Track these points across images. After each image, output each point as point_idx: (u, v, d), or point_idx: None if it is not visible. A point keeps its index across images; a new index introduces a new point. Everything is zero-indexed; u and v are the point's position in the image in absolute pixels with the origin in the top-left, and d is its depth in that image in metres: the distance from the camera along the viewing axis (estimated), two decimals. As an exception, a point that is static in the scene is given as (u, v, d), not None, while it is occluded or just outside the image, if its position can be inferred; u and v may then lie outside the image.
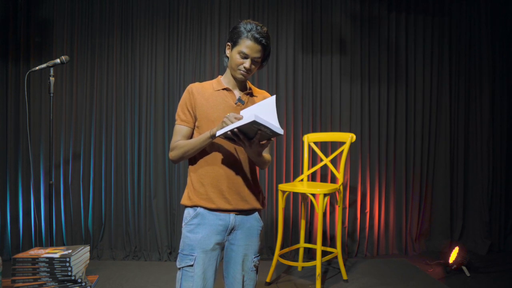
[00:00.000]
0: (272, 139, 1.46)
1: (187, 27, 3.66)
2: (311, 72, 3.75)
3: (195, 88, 1.62)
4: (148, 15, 3.63)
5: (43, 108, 3.54)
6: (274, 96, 1.49)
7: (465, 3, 3.94)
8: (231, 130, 1.36)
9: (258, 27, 1.55)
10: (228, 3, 3.67)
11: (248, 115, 1.35)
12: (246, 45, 1.53)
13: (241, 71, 1.57)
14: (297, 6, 3.72)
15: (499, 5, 3.93)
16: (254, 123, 1.30)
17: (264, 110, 1.43)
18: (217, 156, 1.58)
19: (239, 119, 1.38)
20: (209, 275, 1.55)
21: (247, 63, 1.55)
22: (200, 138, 1.53)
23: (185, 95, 1.63)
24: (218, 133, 1.40)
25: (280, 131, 1.37)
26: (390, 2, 3.84)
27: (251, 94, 1.68)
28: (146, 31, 3.63)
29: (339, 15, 3.78)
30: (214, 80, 1.68)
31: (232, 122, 1.38)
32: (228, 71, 1.65)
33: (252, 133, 1.39)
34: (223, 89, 1.63)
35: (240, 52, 1.55)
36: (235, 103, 1.61)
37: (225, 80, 1.66)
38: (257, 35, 1.53)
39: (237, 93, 1.65)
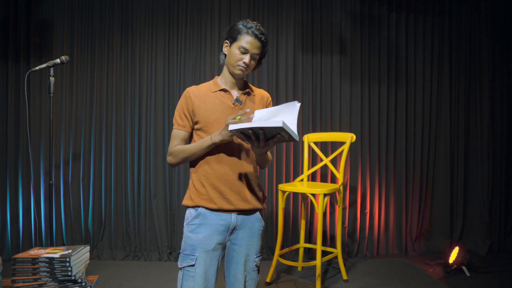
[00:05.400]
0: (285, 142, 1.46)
1: (187, 27, 3.66)
2: (311, 72, 3.75)
3: (191, 91, 1.63)
4: (148, 15, 3.63)
5: (43, 108, 3.54)
6: (299, 104, 1.43)
7: (465, 3, 3.94)
8: (253, 129, 1.34)
9: (258, 26, 1.58)
10: (228, 3, 3.67)
11: (265, 117, 1.34)
12: (247, 40, 1.55)
13: (241, 67, 1.57)
14: (297, 6, 3.72)
15: (499, 5, 3.92)
16: (279, 129, 1.30)
17: (283, 114, 1.41)
18: (218, 157, 1.58)
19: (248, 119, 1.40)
20: (211, 275, 1.55)
21: (246, 58, 1.55)
22: (201, 144, 1.54)
23: (182, 99, 1.63)
24: (234, 127, 1.36)
25: (297, 137, 1.37)
26: (390, 2, 3.84)
27: (248, 93, 1.67)
28: (146, 31, 3.63)
29: (339, 15, 3.77)
30: (210, 82, 1.68)
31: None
32: (225, 71, 1.65)
33: (270, 135, 1.38)
34: (221, 90, 1.63)
35: (240, 47, 1.56)
36: (233, 104, 1.61)
37: (221, 80, 1.66)
38: (257, 32, 1.56)
39: (235, 93, 1.65)
